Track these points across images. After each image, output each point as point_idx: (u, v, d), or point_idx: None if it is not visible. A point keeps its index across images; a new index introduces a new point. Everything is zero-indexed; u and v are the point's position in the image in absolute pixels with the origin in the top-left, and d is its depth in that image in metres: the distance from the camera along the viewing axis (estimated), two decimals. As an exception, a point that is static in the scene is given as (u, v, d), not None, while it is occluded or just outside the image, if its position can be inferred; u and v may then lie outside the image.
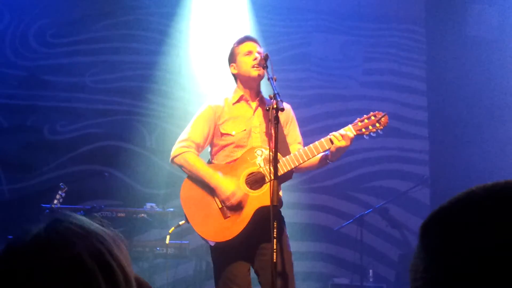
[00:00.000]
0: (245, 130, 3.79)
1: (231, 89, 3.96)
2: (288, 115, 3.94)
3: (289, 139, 3.91)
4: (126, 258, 1.12)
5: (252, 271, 3.77)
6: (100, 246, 1.08)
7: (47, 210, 5.37)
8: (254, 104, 3.88)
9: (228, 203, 3.61)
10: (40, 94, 6.96)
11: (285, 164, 3.60)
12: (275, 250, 3.16)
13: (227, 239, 3.63)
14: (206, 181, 3.68)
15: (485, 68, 6.70)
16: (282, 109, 3.34)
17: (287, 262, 3.64)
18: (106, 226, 1.15)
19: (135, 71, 7.09)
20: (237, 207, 3.64)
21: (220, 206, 3.68)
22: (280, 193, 3.80)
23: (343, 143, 3.59)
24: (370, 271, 6.54)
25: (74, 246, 1.05)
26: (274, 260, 3.15)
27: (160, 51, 7.15)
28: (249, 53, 3.81)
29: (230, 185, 3.63)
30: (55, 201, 5.40)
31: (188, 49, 7.17)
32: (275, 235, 3.17)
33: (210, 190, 3.70)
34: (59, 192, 5.43)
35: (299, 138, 3.98)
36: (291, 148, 3.85)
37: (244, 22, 6.88)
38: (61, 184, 5.49)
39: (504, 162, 6.35)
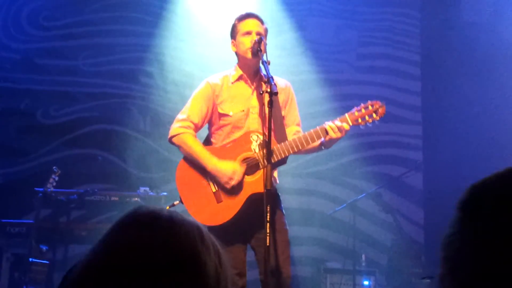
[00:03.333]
0: (243, 110, 3.78)
1: (231, 66, 3.95)
2: (287, 94, 3.90)
3: (287, 121, 3.89)
4: None
5: (249, 250, 3.79)
6: (205, 231, 1.18)
7: (40, 194, 5.38)
8: (253, 84, 3.86)
9: (231, 184, 3.60)
10: (33, 77, 6.92)
11: (279, 152, 3.59)
12: (268, 234, 3.17)
13: (219, 223, 3.64)
14: (203, 164, 3.68)
15: (479, 54, 6.70)
16: (276, 93, 3.33)
17: (283, 241, 3.67)
18: None
19: (129, 54, 7.05)
20: (231, 192, 3.64)
21: (214, 190, 3.68)
22: (275, 174, 3.80)
23: (338, 134, 3.58)
24: (363, 255, 6.57)
25: (193, 225, 1.16)
26: (268, 244, 3.17)
27: (154, 33, 7.11)
28: (248, 33, 3.78)
29: (228, 168, 3.62)
30: (49, 185, 5.41)
31: (183, 31, 7.13)
32: (268, 219, 3.18)
33: (206, 173, 3.70)
34: (53, 176, 5.44)
35: (297, 119, 3.95)
36: (289, 130, 3.84)
37: (240, 5, 6.83)
38: (54, 167, 5.49)
39: (496, 148, 6.37)
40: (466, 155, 6.62)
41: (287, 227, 3.78)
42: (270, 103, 3.29)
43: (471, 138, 6.63)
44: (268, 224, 3.16)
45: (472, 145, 6.61)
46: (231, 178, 3.59)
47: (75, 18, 7.08)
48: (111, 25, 7.10)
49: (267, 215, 3.17)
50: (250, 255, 3.81)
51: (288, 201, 6.60)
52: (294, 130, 3.84)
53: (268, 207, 3.17)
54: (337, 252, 6.98)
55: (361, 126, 3.68)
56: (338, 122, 3.58)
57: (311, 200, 7.14)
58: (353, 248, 6.28)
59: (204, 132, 4.00)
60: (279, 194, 3.85)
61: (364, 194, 6.44)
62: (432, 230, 7.22)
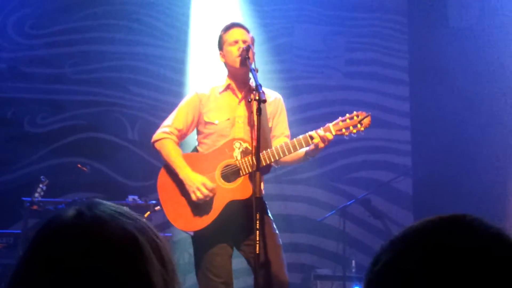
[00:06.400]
0: (228, 119, 3.80)
1: (220, 77, 3.97)
2: (277, 106, 3.92)
3: (276, 132, 3.91)
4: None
5: (236, 259, 3.78)
6: (144, 225, 1.07)
7: (28, 204, 5.32)
8: (240, 94, 3.87)
9: (197, 196, 3.61)
10: (19, 86, 6.88)
11: (263, 159, 3.60)
12: (257, 242, 3.17)
13: (196, 229, 3.67)
14: (176, 171, 3.70)
15: (467, 58, 6.73)
16: (264, 101, 3.33)
17: (275, 245, 3.66)
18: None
19: (116, 62, 7.02)
20: (210, 199, 3.65)
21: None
22: (262, 185, 3.80)
23: (320, 145, 3.58)
24: (353, 261, 6.56)
25: (124, 224, 1.03)
26: (257, 252, 3.16)
27: (141, 41, 7.10)
28: (235, 42, 3.81)
29: (198, 179, 3.62)
30: (36, 194, 5.35)
31: (174, 40, 7.12)
32: (257, 226, 3.18)
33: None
34: (40, 185, 5.38)
35: (287, 131, 3.97)
36: (277, 141, 3.85)
37: (227, 13, 6.83)
38: (41, 177, 5.44)
39: (484, 153, 6.39)
40: (454, 160, 6.64)
41: (277, 231, 3.78)
42: (259, 110, 3.29)
43: (459, 143, 6.65)
44: (257, 232, 3.16)
45: (460, 150, 6.62)
46: (198, 189, 3.60)
47: (62, 26, 7.04)
48: (98, 33, 7.07)
49: (256, 223, 3.17)
50: (243, 263, 3.80)
51: (277, 208, 6.61)
52: (282, 142, 3.84)
53: (257, 215, 3.17)
54: (327, 258, 6.97)
55: (345, 137, 3.68)
56: (321, 132, 3.58)
57: (300, 206, 7.13)
58: (343, 254, 6.28)
59: (194, 141, 4.00)
60: (266, 202, 3.84)
61: (353, 200, 6.44)
62: (422, 235, 7.21)
